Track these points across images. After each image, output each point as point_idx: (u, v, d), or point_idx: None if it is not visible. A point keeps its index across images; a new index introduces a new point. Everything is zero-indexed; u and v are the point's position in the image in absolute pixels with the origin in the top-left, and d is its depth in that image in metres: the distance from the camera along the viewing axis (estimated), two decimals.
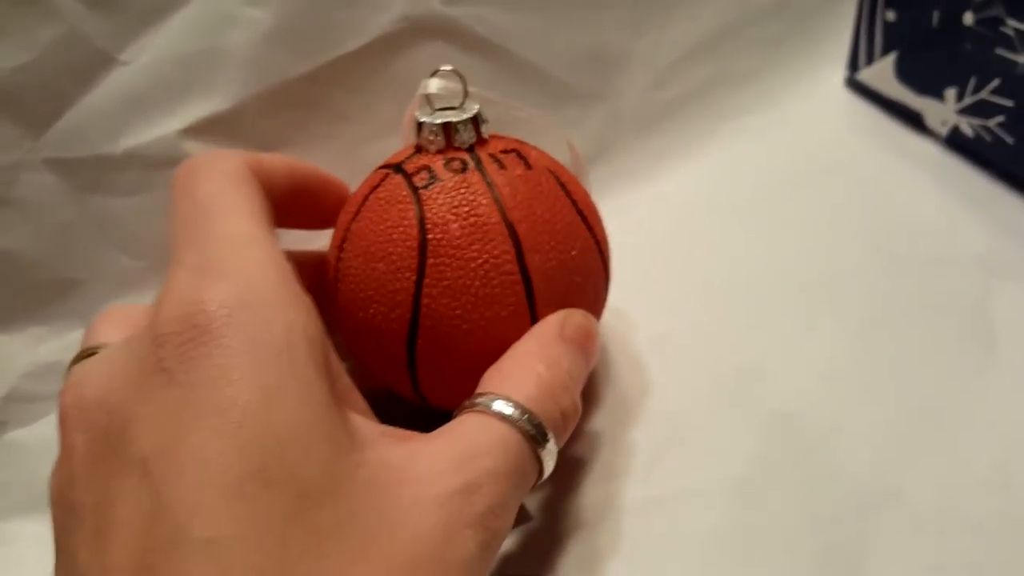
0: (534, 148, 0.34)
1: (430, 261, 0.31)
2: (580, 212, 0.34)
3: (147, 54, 0.37)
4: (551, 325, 0.31)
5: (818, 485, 0.35)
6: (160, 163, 0.37)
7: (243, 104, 0.38)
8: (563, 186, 0.33)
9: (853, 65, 0.49)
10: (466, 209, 0.31)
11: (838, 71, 0.50)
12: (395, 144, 0.36)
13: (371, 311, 0.32)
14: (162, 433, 0.24)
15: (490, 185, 0.32)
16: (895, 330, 0.40)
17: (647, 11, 0.45)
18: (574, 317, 0.32)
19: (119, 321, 0.30)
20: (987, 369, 0.38)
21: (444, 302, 0.31)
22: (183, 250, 0.27)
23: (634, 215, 0.45)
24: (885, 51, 0.47)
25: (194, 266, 0.26)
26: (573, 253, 0.33)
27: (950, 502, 0.34)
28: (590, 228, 0.34)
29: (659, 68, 0.47)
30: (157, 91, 0.37)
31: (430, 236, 0.31)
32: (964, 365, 0.38)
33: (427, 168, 0.32)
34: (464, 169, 0.32)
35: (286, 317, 0.25)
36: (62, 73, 0.36)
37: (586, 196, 0.35)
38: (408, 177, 0.32)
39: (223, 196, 0.29)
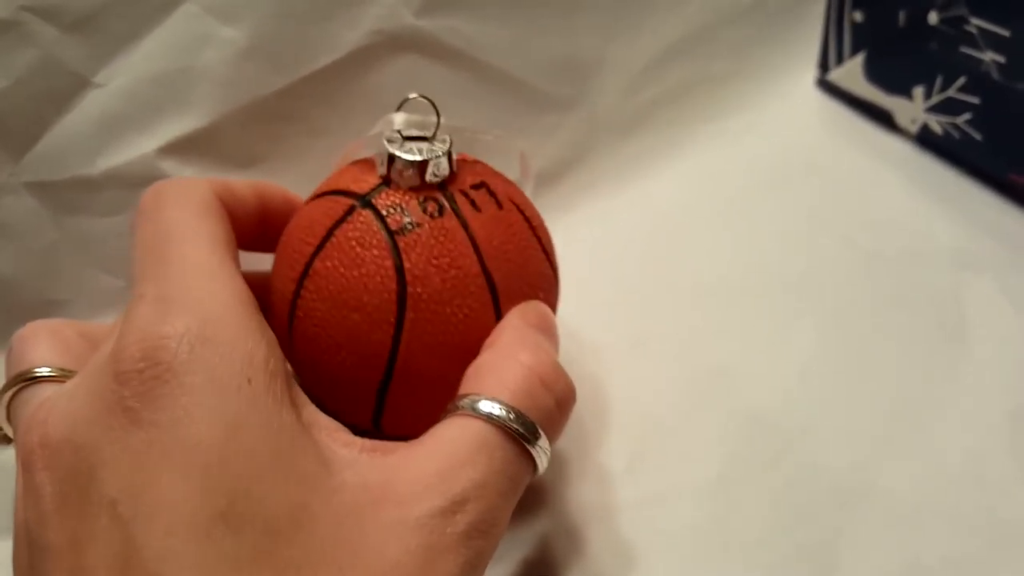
0: (495, 175, 0.33)
1: (409, 315, 0.30)
2: (542, 246, 0.33)
3: (122, 76, 0.37)
4: (517, 317, 0.31)
5: (794, 482, 0.35)
6: (139, 182, 0.37)
7: (219, 121, 0.38)
8: (528, 221, 0.33)
9: (823, 66, 0.50)
10: (447, 260, 0.30)
11: (809, 72, 0.51)
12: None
13: (341, 357, 0.31)
14: (130, 475, 0.24)
15: (468, 232, 0.30)
16: (869, 326, 0.40)
17: (620, 16, 0.46)
18: (533, 306, 0.31)
19: (49, 339, 0.29)
20: (959, 362, 0.39)
21: (422, 356, 0.30)
22: (144, 280, 0.27)
23: (611, 219, 0.45)
24: (854, 51, 0.47)
25: (155, 298, 0.26)
26: (540, 295, 0.32)
27: (924, 495, 0.35)
28: (549, 260, 0.34)
29: (633, 72, 0.48)
30: (133, 112, 0.37)
31: (410, 289, 0.30)
32: (937, 359, 0.39)
33: (400, 208, 0.30)
34: (440, 212, 0.30)
35: (246, 350, 0.25)
36: (39, 97, 0.36)
37: (541, 221, 0.34)
38: (381, 217, 0.30)
39: (186, 225, 0.29)
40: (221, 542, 0.23)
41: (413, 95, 0.31)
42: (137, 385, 0.24)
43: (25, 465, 0.26)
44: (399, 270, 0.30)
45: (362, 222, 0.30)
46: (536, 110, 0.45)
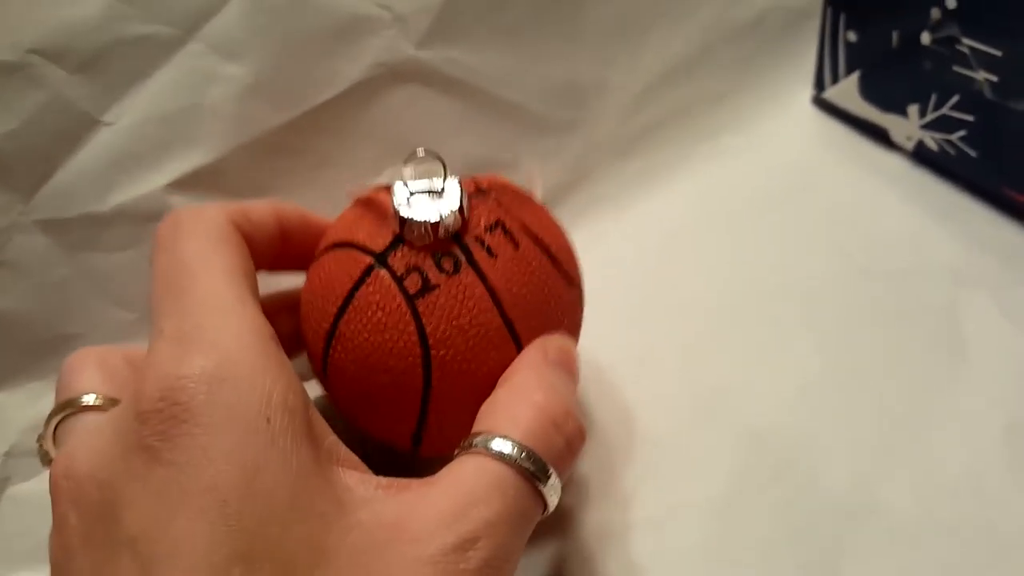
0: (508, 197, 0.33)
1: (436, 374, 0.30)
2: (561, 270, 0.33)
3: (130, 114, 0.37)
4: (536, 352, 0.31)
5: (795, 498, 0.36)
6: (148, 218, 0.38)
7: (226, 156, 0.39)
8: (546, 250, 0.33)
9: (819, 84, 0.50)
10: (467, 320, 0.30)
11: (806, 90, 0.51)
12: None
13: (373, 411, 0.32)
14: (150, 514, 0.24)
15: (486, 285, 0.31)
16: (867, 342, 0.41)
17: (617, 40, 0.46)
18: (553, 341, 0.32)
19: (97, 367, 0.30)
20: (957, 377, 0.39)
21: (451, 409, 0.31)
22: (164, 315, 0.28)
23: (611, 240, 0.46)
24: (849, 70, 0.48)
25: (173, 336, 0.27)
26: (564, 322, 0.33)
27: (924, 510, 0.35)
28: (569, 279, 0.34)
29: (631, 94, 0.48)
30: (142, 149, 0.38)
31: (434, 352, 0.30)
32: (935, 374, 0.39)
33: (417, 270, 0.30)
34: (456, 268, 0.31)
35: (263, 389, 0.26)
36: (48, 137, 0.37)
37: (556, 236, 0.34)
38: (398, 279, 0.30)
39: (203, 257, 0.29)
40: None
41: (420, 151, 0.31)
42: (156, 424, 0.25)
43: (53, 496, 0.27)
44: (421, 334, 0.30)
45: (381, 285, 0.31)
46: (536, 134, 0.46)
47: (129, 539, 0.24)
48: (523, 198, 0.34)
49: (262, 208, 0.33)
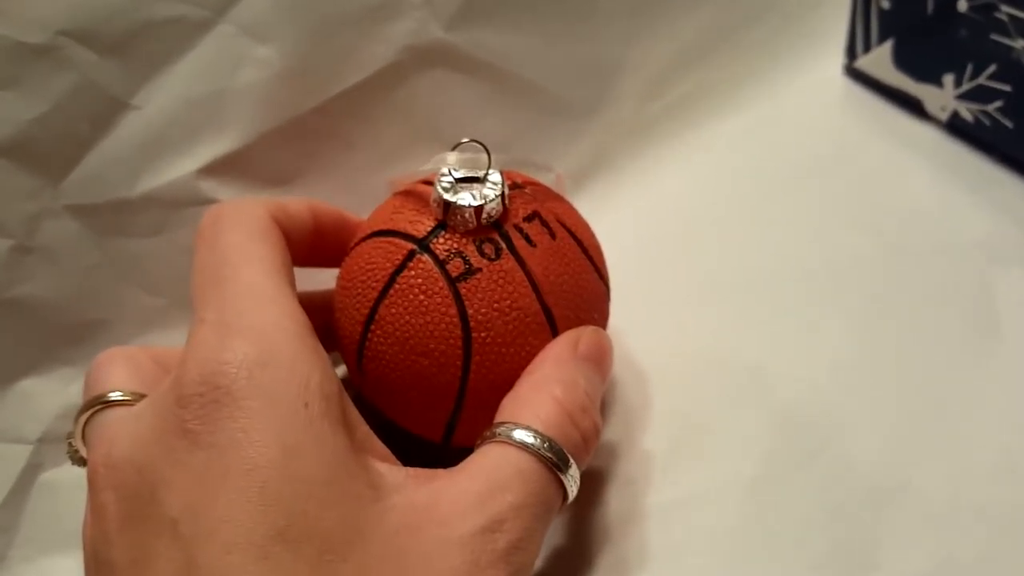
0: (545, 196, 0.34)
1: (475, 358, 0.31)
2: (594, 264, 0.34)
3: (159, 98, 0.37)
4: (565, 345, 0.32)
5: (828, 480, 0.36)
6: (178, 203, 0.38)
7: (255, 141, 0.39)
8: (580, 243, 0.34)
9: (851, 53, 0.49)
10: (508, 303, 0.31)
11: (836, 60, 0.50)
12: (404, 168, 0.36)
13: (410, 396, 0.32)
14: (190, 495, 0.25)
15: (525, 270, 0.31)
16: (899, 320, 0.40)
17: (641, 19, 0.46)
18: (587, 334, 0.32)
19: (124, 364, 0.31)
20: (992, 355, 0.39)
21: (488, 392, 0.31)
22: (205, 305, 0.28)
23: (636, 220, 0.46)
24: (882, 39, 0.47)
25: (215, 323, 0.27)
26: (595, 315, 0.34)
27: (958, 491, 0.35)
28: (600, 274, 0.35)
29: (656, 74, 0.48)
30: (171, 133, 0.38)
31: (475, 335, 0.31)
32: (969, 352, 0.39)
33: (460, 254, 0.31)
34: (498, 254, 0.31)
35: (302, 375, 0.26)
36: (78, 121, 0.36)
37: (590, 235, 0.35)
38: (441, 263, 0.31)
39: (244, 249, 0.30)
40: (279, 560, 0.24)
41: (466, 140, 0.32)
42: (197, 408, 0.25)
43: (91, 484, 0.27)
44: (463, 317, 0.31)
45: (423, 269, 0.31)
46: (560, 117, 0.46)
47: (170, 521, 0.24)
48: (555, 195, 0.35)
49: (299, 204, 0.34)
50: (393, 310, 0.31)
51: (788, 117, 0.49)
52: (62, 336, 0.38)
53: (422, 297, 0.31)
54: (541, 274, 0.32)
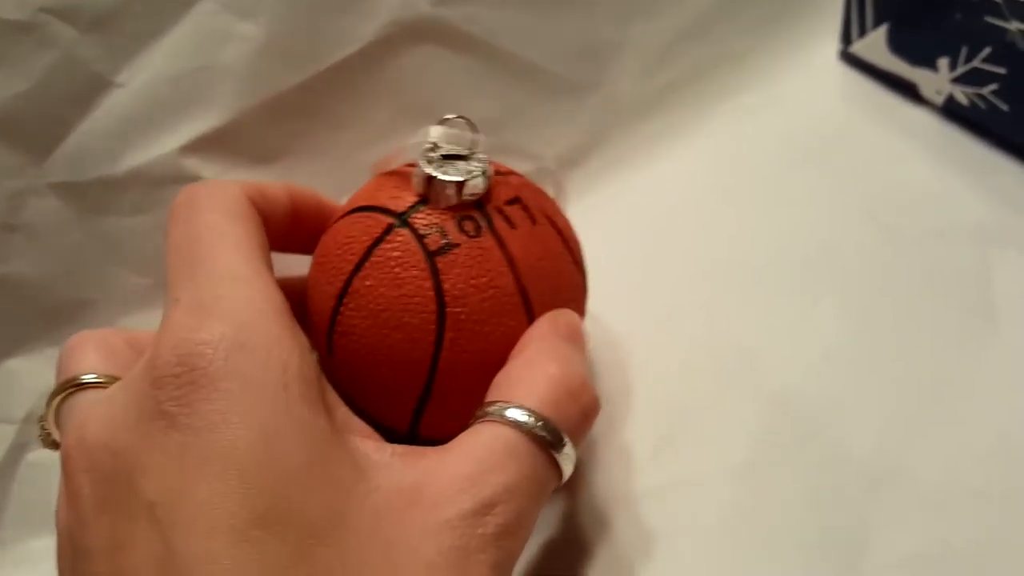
0: (527, 186, 0.34)
1: (449, 334, 0.30)
2: (573, 257, 0.34)
3: (143, 75, 0.37)
4: (547, 325, 0.31)
5: (821, 464, 0.35)
6: (162, 181, 0.38)
7: (240, 118, 0.38)
8: (560, 234, 0.33)
9: (846, 38, 0.49)
10: (484, 280, 0.30)
11: (831, 44, 0.50)
12: (391, 147, 0.36)
13: (381, 372, 0.31)
14: (168, 479, 0.24)
15: (504, 250, 0.31)
16: (895, 304, 0.40)
17: None
18: (562, 316, 0.32)
19: (97, 347, 0.30)
20: (987, 340, 0.38)
21: (460, 372, 0.31)
22: (180, 286, 0.28)
23: (630, 201, 0.45)
24: (876, 23, 0.47)
25: (190, 304, 0.27)
26: (572, 305, 0.33)
27: (953, 476, 0.34)
28: (579, 268, 0.34)
29: (652, 54, 0.47)
30: (155, 111, 0.37)
31: (449, 310, 0.30)
32: (964, 336, 0.38)
33: (439, 228, 0.31)
34: (477, 232, 0.31)
35: (281, 357, 0.26)
36: (61, 98, 0.36)
37: (571, 230, 0.35)
38: (419, 238, 0.31)
39: (220, 229, 0.29)
40: (260, 545, 0.23)
41: (451, 115, 0.31)
42: (173, 390, 0.25)
43: (65, 468, 0.27)
44: (438, 291, 0.30)
45: (401, 242, 0.31)
46: (554, 95, 0.45)
47: (147, 505, 0.24)
48: (538, 189, 0.35)
49: (277, 187, 0.33)
50: (368, 282, 0.31)
51: (783, 102, 0.48)
52: (47, 315, 0.38)
53: (398, 269, 0.30)
54: (520, 256, 0.31)
